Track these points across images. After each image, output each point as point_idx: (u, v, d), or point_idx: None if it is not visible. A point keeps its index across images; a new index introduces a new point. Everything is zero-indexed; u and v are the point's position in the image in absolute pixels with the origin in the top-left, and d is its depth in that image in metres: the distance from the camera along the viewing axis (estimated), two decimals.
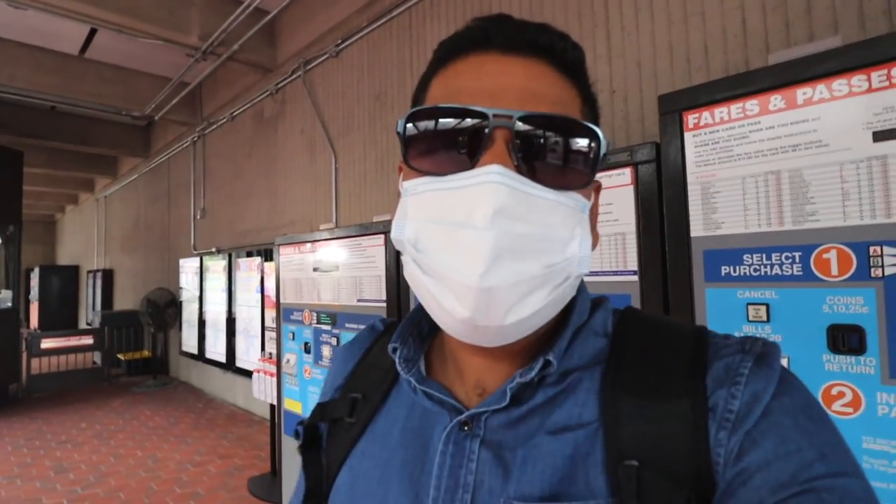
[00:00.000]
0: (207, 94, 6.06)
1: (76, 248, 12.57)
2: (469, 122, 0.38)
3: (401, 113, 3.02)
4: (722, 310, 1.06)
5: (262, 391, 3.19)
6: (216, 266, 5.33)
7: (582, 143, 0.38)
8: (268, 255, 4.53)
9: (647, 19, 2.05)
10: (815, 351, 0.93)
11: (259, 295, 4.45)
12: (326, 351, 2.36)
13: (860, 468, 0.33)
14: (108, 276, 9.32)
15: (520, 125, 0.37)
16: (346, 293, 2.26)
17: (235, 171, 5.54)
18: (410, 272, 0.41)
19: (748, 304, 1.02)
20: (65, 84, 5.29)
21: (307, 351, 2.48)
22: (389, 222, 1.81)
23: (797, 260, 0.96)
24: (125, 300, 8.79)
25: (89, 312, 9.46)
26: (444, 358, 0.47)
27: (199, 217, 6.24)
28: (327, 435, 0.51)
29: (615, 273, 1.28)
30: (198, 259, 5.77)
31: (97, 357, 7.17)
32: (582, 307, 0.44)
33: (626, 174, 1.26)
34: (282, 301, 2.68)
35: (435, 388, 0.44)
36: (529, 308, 0.37)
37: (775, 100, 0.98)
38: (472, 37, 0.41)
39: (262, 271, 4.39)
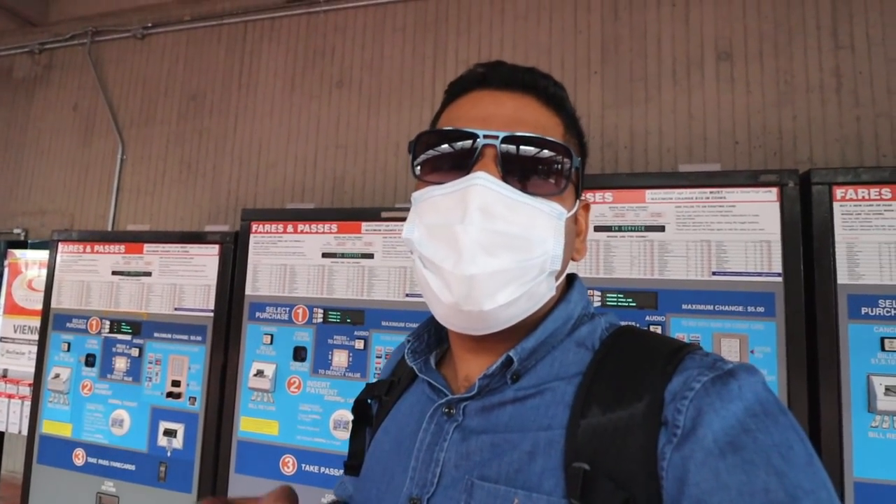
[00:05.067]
0: None
1: None
2: (464, 140, 0.45)
3: (219, 119, 3.04)
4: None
5: None
6: None
7: (556, 158, 0.46)
8: None
9: None
10: None
11: None
12: (121, 363, 2.14)
13: None
14: None
15: (504, 144, 0.44)
16: (160, 301, 2.14)
17: None
18: (416, 267, 0.48)
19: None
20: None
21: (89, 364, 2.19)
22: (227, 234, 2.05)
23: None
24: None
25: None
26: (450, 357, 0.55)
27: None
28: (377, 411, 0.60)
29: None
30: None
31: None
32: (563, 315, 0.48)
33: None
34: (54, 306, 2.29)
35: (433, 376, 0.51)
36: (505, 297, 0.43)
37: None
38: (473, 78, 0.50)
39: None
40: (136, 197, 3.47)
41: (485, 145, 0.44)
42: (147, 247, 2.20)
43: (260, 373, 1.93)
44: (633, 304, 1.46)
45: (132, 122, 3.56)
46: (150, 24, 3.55)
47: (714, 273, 1.42)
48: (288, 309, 1.96)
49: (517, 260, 0.43)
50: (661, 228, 1.47)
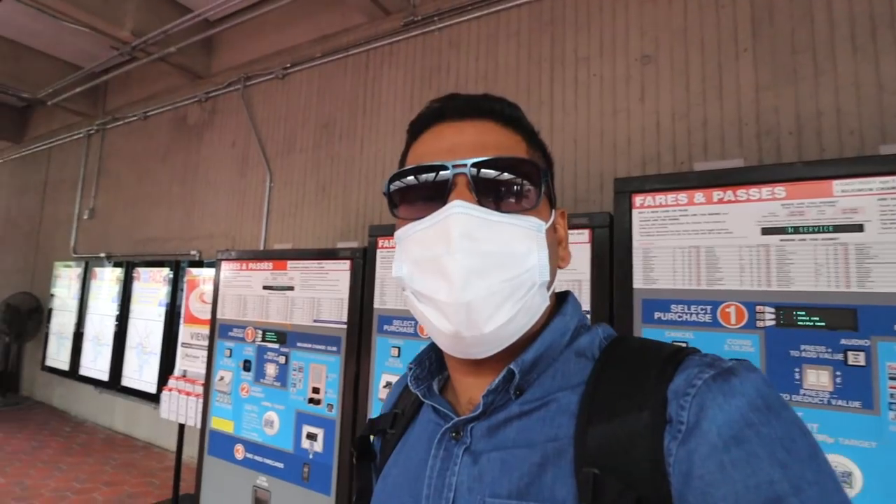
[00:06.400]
0: (116, 87, 5.59)
1: None
2: (435, 173, 0.47)
3: (348, 143, 3.20)
4: None
5: (172, 411, 2.98)
6: (107, 274, 4.82)
7: (525, 174, 0.47)
8: (176, 266, 4.25)
9: (584, 106, 2.52)
10: None
11: (164, 308, 4.14)
12: (271, 369, 2.36)
13: None
14: None
15: (474, 169, 0.46)
16: (301, 313, 2.31)
17: (142, 174, 5.14)
18: (410, 303, 0.49)
19: (673, 342, 1.37)
20: None
21: (246, 369, 2.45)
22: (356, 249, 2.05)
23: (708, 311, 1.34)
24: None
25: None
26: (451, 383, 0.55)
27: (85, 217, 5.59)
28: (381, 445, 0.59)
29: None
30: (82, 264, 5.14)
31: None
32: (560, 327, 0.48)
33: (584, 234, 1.59)
34: (219, 317, 2.61)
35: (437, 401, 0.51)
36: (503, 316, 0.44)
37: (698, 196, 1.39)
38: (431, 114, 0.51)
39: (181, 284, 4.10)
40: (282, 219, 3.88)
41: (455, 174, 0.45)
42: (290, 263, 2.41)
43: (389, 385, 1.97)
44: (822, 324, 1.17)
45: (277, 152, 4.00)
46: (288, 65, 3.97)
47: None
48: (413, 323, 1.98)
49: (507, 278, 0.44)
50: (859, 228, 1.16)
